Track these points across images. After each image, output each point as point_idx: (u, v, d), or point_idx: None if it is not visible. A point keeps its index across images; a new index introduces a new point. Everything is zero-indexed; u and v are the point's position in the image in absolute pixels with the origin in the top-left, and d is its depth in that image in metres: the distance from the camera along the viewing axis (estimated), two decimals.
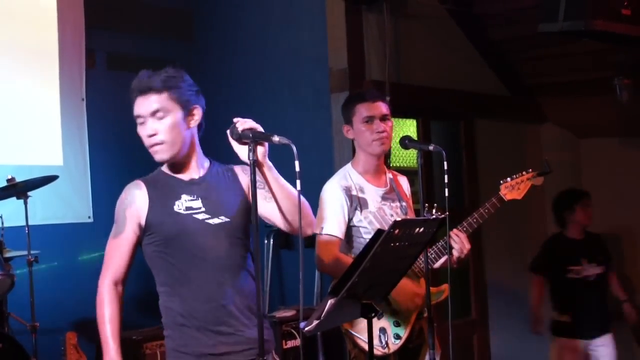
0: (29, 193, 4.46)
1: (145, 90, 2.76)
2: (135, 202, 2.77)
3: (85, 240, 5.20)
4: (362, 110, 3.67)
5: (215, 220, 2.78)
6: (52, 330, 4.48)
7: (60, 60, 5.29)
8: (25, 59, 5.14)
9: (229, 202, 2.82)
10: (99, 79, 5.51)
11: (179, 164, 2.82)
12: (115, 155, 5.44)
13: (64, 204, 5.21)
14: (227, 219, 2.79)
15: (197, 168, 2.85)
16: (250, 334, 2.74)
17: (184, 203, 2.77)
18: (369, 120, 3.65)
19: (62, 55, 5.30)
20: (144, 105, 2.75)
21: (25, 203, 4.44)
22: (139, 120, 2.78)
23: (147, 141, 2.76)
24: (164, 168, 2.86)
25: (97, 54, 5.55)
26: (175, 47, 5.85)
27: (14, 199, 4.46)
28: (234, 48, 5.79)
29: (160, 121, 2.74)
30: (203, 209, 2.77)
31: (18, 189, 4.38)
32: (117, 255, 2.78)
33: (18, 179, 4.33)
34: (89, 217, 5.31)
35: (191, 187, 2.81)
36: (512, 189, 3.80)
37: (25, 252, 4.38)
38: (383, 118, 3.67)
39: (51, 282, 4.87)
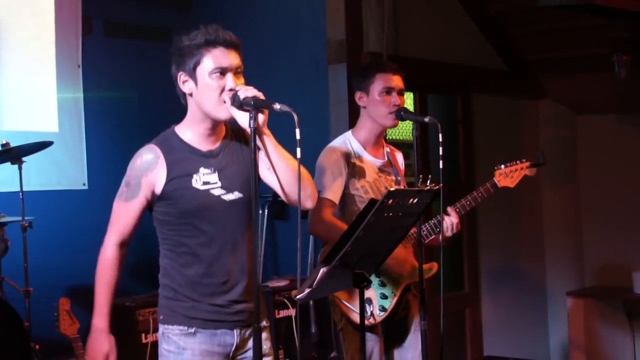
0: (24, 159, 4.45)
1: (229, 45, 2.68)
2: (153, 169, 2.70)
3: (79, 207, 5.20)
4: (382, 81, 3.63)
5: (230, 196, 2.75)
6: (45, 296, 4.47)
7: (56, 26, 5.25)
8: (21, 25, 5.11)
9: (242, 176, 2.78)
10: (96, 45, 5.48)
11: (209, 132, 2.75)
12: (111, 122, 5.43)
13: (59, 171, 5.20)
14: (241, 195, 2.76)
15: (218, 138, 2.79)
16: (240, 307, 2.77)
17: (201, 177, 2.72)
18: (388, 91, 3.62)
19: (58, 22, 5.26)
20: (229, 58, 2.67)
21: (20, 168, 4.43)
22: (216, 71, 2.65)
23: (224, 94, 2.65)
24: (180, 132, 2.77)
25: (93, 21, 5.52)
26: (173, 15, 5.82)
27: (8, 164, 4.45)
28: (232, 17, 5.75)
29: (239, 78, 2.69)
30: (219, 184, 2.73)
31: (12, 154, 4.37)
32: (126, 218, 2.76)
33: (13, 145, 4.32)
34: (84, 184, 5.30)
35: (208, 159, 2.74)
36: (506, 176, 3.82)
37: (19, 218, 4.38)
38: (400, 92, 3.66)
39: (45, 248, 4.88)
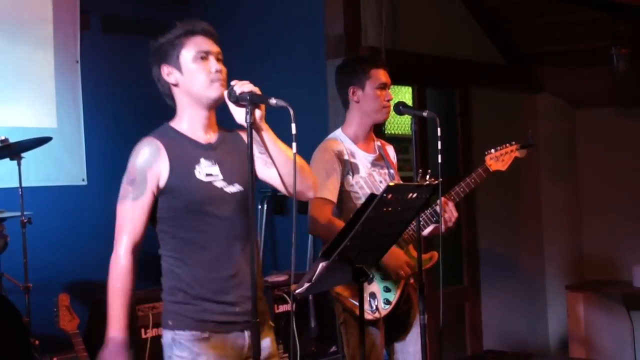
0: (23, 154, 4.46)
1: (208, 34, 2.75)
2: (156, 161, 2.66)
3: (79, 203, 5.20)
4: (378, 76, 3.68)
5: (232, 189, 2.73)
6: (45, 292, 4.48)
7: (54, 22, 5.25)
8: (19, 20, 5.10)
9: (241, 170, 2.75)
10: (94, 41, 5.48)
11: (203, 120, 2.75)
12: (110, 117, 5.42)
13: (58, 166, 5.20)
14: (242, 188, 2.75)
15: (213, 130, 2.79)
16: (249, 306, 2.68)
17: (203, 169, 2.70)
18: (384, 87, 3.68)
19: (56, 17, 5.26)
20: (209, 44, 2.74)
21: (19, 164, 4.43)
22: (200, 55, 2.70)
23: (211, 75, 2.69)
24: (176, 126, 2.76)
25: (91, 16, 5.51)
26: (171, 10, 5.81)
27: (7, 160, 4.45)
28: (230, 12, 5.74)
29: (221, 64, 2.74)
30: (221, 176, 2.72)
31: (11, 150, 4.37)
32: (136, 219, 2.67)
33: (12, 141, 4.32)
34: (83, 180, 5.30)
35: (208, 151, 2.73)
36: (497, 160, 3.83)
37: (18, 213, 4.39)
38: (389, 86, 3.72)
39: (44, 244, 4.87)
